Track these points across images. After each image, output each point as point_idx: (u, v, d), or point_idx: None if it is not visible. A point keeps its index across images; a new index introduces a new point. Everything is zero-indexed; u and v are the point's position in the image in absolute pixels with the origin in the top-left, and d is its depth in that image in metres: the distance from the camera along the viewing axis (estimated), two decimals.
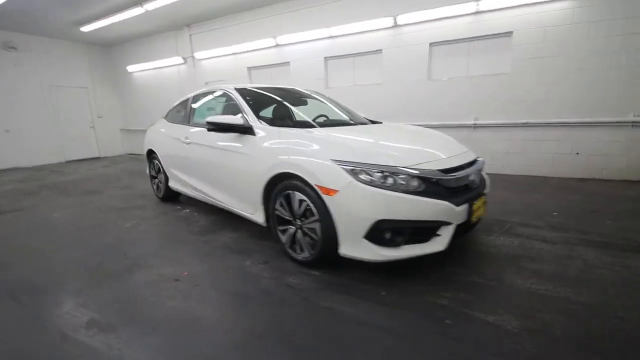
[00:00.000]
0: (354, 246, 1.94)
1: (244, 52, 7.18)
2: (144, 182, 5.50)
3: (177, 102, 3.92)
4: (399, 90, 5.75)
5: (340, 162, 1.95)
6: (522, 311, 1.74)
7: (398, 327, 1.64)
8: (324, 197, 1.96)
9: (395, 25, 5.50)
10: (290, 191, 2.21)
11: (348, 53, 6.11)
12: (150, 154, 4.20)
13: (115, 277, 2.26)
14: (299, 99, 3.38)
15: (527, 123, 4.88)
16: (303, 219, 2.19)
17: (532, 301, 1.83)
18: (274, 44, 6.69)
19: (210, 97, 3.38)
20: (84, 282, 2.22)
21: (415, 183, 1.91)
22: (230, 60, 7.48)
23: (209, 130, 2.66)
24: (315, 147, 2.12)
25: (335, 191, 1.92)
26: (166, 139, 3.77)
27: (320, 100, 3.50)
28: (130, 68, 9.18)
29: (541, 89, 4.73)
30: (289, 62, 6.75)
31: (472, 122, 5.24)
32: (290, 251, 2.36)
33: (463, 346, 1.51)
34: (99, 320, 1.79)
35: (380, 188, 1.86)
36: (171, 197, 4.12)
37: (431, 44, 5.36)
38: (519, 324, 1.63)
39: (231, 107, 3.00)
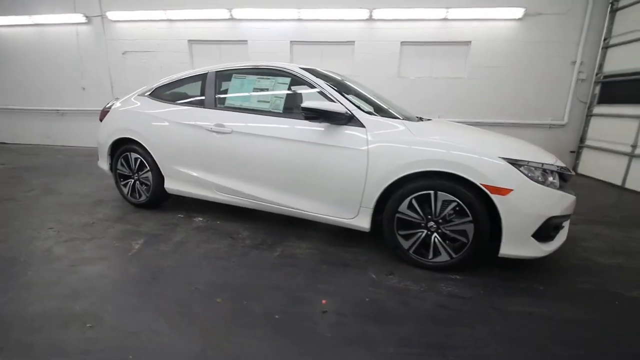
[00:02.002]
0: (520, 245, 1.91)
1: (184, 19, 5.91)
2: (68, 183, 3.97)
3: (179, 77, 2.90)
4: (370, 85, 5.82)
5: (510, 160, 1.88)
6: None
7: (600, 320, 1.71)
8: (494, 197, 1.86)
9: (370, 19, 5.53)
10: (430, 191, 2.00)
11: (318, 40, 5.81)
12: (120, 144, 3.05)
13: (238, 323, 1.57)
14: (344, 84, 3.02)
15: (478, 122, 5.71)
16: (441, 220, 2.02)
17: None
18: (227, 17, 5.76)
19: (253, 76, 2.62)
20: (201, 343, 1.46)
21: (555, 179, 2.01)
22: (164, 28, 6.04)
23: (305, 117, 2.12)
24: (479, 142, 1.98)
25: (509, 190, 1.84)
26: (165, 124, 2.79)
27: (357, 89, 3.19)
28: None
29: (489, 93, 5.63)
30: (246, 41, 5.94)
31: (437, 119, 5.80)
32: (415, 256, 2.14)
33: None
34: None
35: (544, 185, 1.90)
36: (158, 202, 3.11)
37: (402, 43, 5.64)
38: None
39: (298, 90, 2.48)
